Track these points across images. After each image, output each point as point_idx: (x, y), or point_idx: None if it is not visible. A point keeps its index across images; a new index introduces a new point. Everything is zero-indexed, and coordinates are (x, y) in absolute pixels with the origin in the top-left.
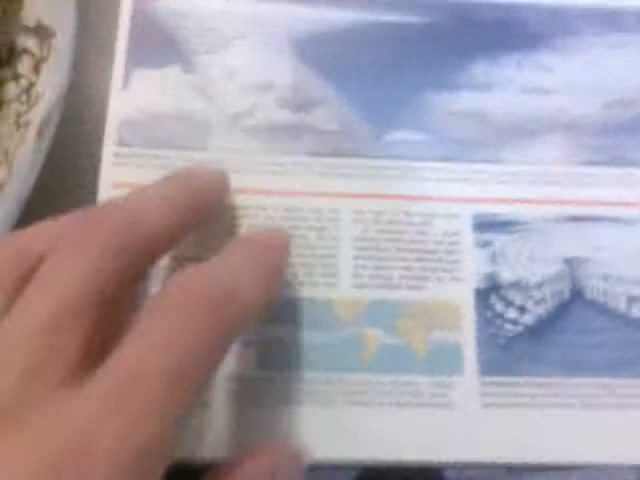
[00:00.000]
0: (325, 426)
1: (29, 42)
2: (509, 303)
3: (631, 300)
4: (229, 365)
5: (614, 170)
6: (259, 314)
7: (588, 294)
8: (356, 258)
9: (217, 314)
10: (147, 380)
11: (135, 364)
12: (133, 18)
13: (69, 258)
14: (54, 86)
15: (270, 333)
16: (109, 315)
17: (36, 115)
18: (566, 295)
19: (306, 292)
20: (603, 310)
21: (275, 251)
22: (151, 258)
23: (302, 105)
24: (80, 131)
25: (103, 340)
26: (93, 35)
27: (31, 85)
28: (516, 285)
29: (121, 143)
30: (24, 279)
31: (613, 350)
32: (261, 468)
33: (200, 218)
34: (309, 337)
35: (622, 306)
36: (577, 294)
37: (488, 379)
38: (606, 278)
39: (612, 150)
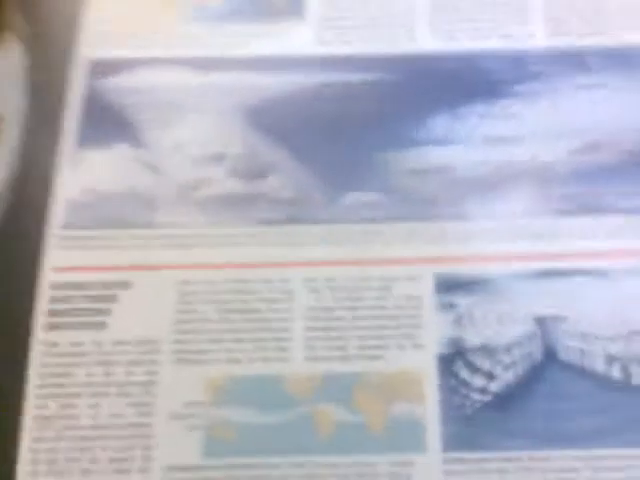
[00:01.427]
0: None
1: None
2: (476, 369)
3: (610, 359)
4: (172, 453)
5: (584, 219)
6: None
7: (562, 355)
8: (309, 329)
9: None
10: None
11: None
12: (83, 98)
13: None
14: (0, 169)
15: (218, 416)
16: None
17: None
18: (538, 357)
19: (256, 369)
20: (579, 372)
21: None
22: None
23: (255, 173)
24: (25, 215)
25: None
26: (42, 119)
27: None
28: (483, 349)
29: (66, 225)
30: None
31: (591, 417)
32: None
33: None
34: (260, 418)
35: (600, 366)
36: (550, 355)
37: (452, 455)
38: (582, 336)
39: (581, 198)
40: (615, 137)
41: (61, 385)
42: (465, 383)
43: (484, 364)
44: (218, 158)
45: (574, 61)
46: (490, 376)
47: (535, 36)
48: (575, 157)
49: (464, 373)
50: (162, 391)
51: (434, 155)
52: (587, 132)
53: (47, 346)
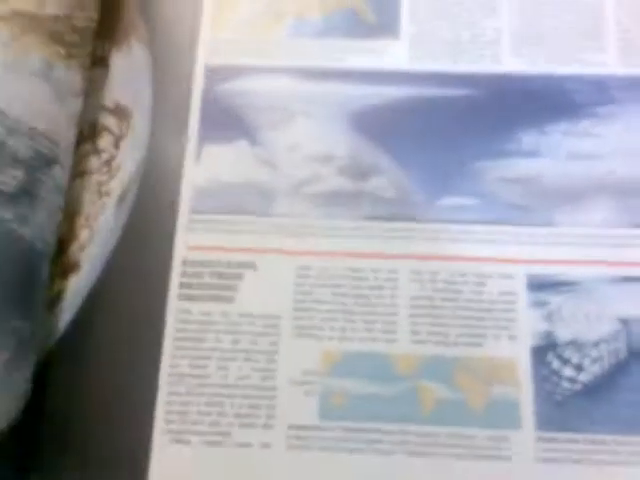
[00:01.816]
0: (383, 475)
1: (109, 121)
2: (566, 361)
3: None
4: (292, 413)
5: None
6: None
7: None
8: (413, 315)
9: None
10: None
11: None
12: (204, 98)
13: None
14: (132, 160)
15: (332, 385)
16: None
17: (116, 185)
18: (623, 354)
19: (367, 347)
20: None
21: None
22: None
23: (360, 174)
24: (157, 200)
25: None
26: (168, 114)
27: (111, 158)
28: (573, 343)
29: (194, 210)
30: None
31: None
32: None
33: None
34: (369, 389)
35: None
36: (634, 353)
37: (544, 434)
38: None
39: None
40: None
41: (193, 348)
42: (556, 372)
43: (573, 357)
44: (326, 158)
45: None
46: (579, 368)
47: (609, 63)
48: None
49: (555, 364)
50: (283, 359)
51: (523, 166)
52: None
53: (181, 313)
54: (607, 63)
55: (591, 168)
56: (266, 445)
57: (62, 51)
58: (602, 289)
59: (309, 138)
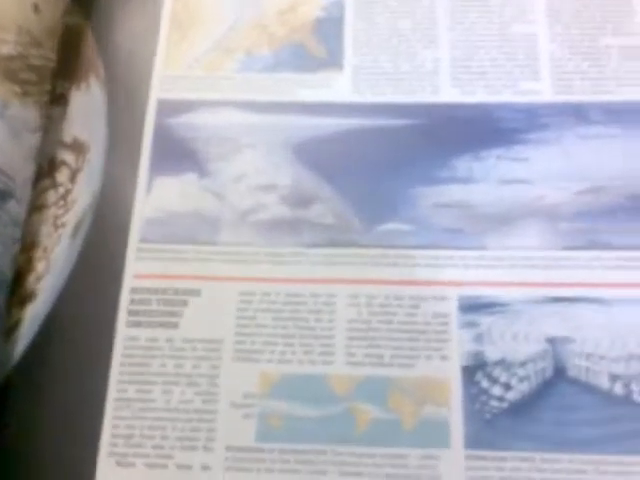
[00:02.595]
0: None
1: (66, 156)
2: (494, 380)
3: (613, 378)
4: (231, 435)
5: (590, 253)
6: None
7: (570, 372)
8: (350, 339)
9: None
10: None
11: None
12: (156, 131)
13: None
14: (87, 193)
15: (270, 407)
16: None
17: (71, 218)
18: (549, 373)
19: (305, 369)
20: (586, 388)
21: None
22: None
23: (301, 202)
24: (109, 230)
25: None
26: (121, 148)
27: (67, 192)
28: (501, 363)
29: (143, 240)
30: None
31: (597, 427)
32: None
33: None
34: (306, 411)
35: (605, 384)
36: (560, 372)
37: (473, 452)
38: (588, 357)
39: (587, 234)
40: (615, 181)
41: (139, 373)
42: (485, 392)
43: (502, 376)
44: (270, 188)
45: (578, 114)
46: (507, 387)
47: (543, 92)
48: (580, 198)
49: (484, 383)
50: (224, 383)
51: (456, 191)
52: (590, 176)
53: (128, 340)
54: (541, 91)
55: (522, 193)
56: (206, 467)
57: (17, 89)
58: (530, 310)
59: (254, 169)
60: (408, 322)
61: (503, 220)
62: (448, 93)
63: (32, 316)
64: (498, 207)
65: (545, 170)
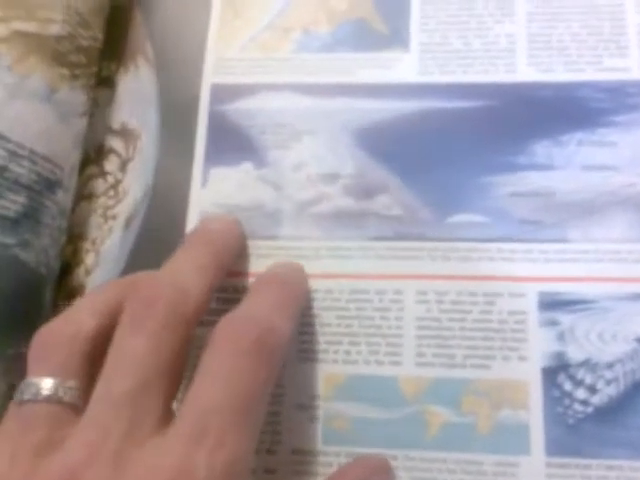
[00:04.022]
0: None
1: (115, 143)
2: (578, 382)
3: None
4: (295, 438)
5: None
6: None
7: None
8: (419, 337)
9: (263, 352)
10: (219, 414)
11: (205, 404)
12: (210, 120)
13: (134, 341)
14: (140, 184)
15: (336, 409)
16: (177, 374)
17: (123, 209)
18: (639, 375)
19: (371, 370)
20: None
21: (297, 287)
22: (195, 325)
23: (366, 193)
24: (164, 225)
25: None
26: (174, 136)
27: (118, 182)
28: (585, 364)
29: None
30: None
31: None
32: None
33: (223, 277)
34: (374, 413)
35: None
36: None
37: (555, 460)
38: None
39: None
40: None
41: None
42: (568, 395)
43: (586, 378)
44: (332, 177)
45: None
46: (592, 389)
47: (631, 69)
48: None
49: (567, 385)
50: (289, 384)
51: (535, 179)
52: None
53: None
54: (629, 68)
55: (607, 180)
56: (270, 471)
57: (66, 72)
58: (618, 307)
59: (314, 157)
60: (482, 320)
61: (587, 210)
62: (524, 72)
63: None
64: (581, 196)
65: (634, 155)
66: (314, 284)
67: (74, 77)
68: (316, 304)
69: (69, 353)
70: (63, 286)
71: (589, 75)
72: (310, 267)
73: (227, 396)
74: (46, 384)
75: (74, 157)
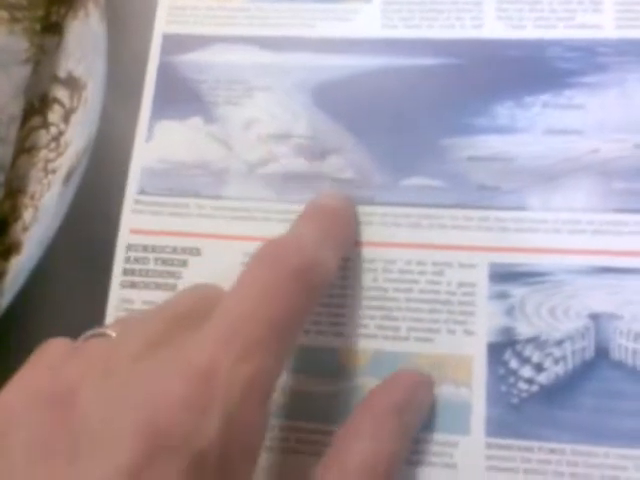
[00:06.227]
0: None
1: (60, 92)
2: (525, 360)
3: None
4: None
5: None
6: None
7: (615, 354)
8: (364, 308)
9: (305, 281)
10: (252, 323)
11: (239, 311)
12: (159, 72)
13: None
14: (82, 136)
15: None
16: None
17: (64, 163)
18: (590, 354)
19: (311, 340)
20: (631, 373)
21: (346, 222)
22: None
23: (318, 153)
24: (104, 179)
25: None
26: (120, 87)
27: (60, 134)
28: (534, 341)
29: (141, 191)
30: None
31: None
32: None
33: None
34: (312, 386)
35: None
36: (602, 354)
37: (495, 441)
38: (637, 337)
39: None
40: None
41: None
42: (513, 372)
43: (534, 355)
44: (284, 137)
45: None
46: (539, 367)
47: (605, 27)
48: None
49: (513, 363)
50: None
51: (495, 143)
52: None
53: (122, 302)
54: (601, 25)
55: (571, 145)
56: None
57: (4, 14)
58: (573, 281)
59: (267, 115)
60: (430, 291)
61: (548, 177)
62: (492, 27)
63: (16, 270)
64: (542, 161)
65: (601, 119)
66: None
67: (14, 20)
68: None
69: None
70: (0, 242)
71: (560, 32)
72: (256, 230)
73: (261, 308)
74: None
75: (13, 107)
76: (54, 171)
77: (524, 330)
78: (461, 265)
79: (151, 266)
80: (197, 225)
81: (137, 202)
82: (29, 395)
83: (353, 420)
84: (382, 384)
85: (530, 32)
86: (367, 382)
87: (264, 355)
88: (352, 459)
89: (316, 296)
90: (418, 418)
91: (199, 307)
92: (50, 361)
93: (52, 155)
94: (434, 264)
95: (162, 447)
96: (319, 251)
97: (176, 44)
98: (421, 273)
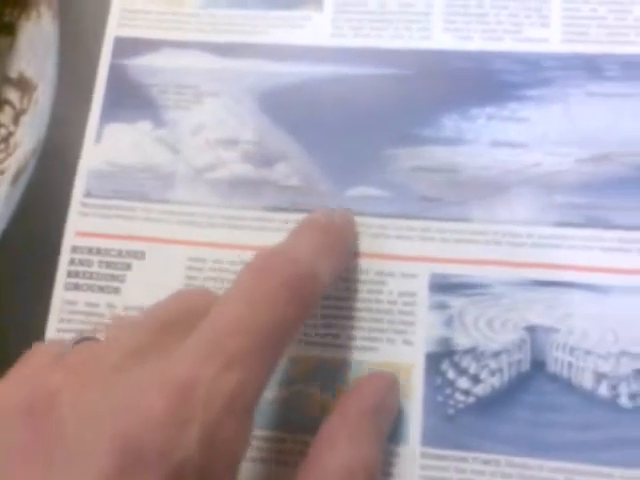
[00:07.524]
0: None
1: (12, 94)
2: (462, 371)
3: (599, 377)
4: None
5: (588, 232)
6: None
7: (551, 367)
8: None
9: (298, 294)
10: (237, 334)
11: (225, 322)
12: (110, 74)
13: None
14: (32, 137)
15: None
16: None
17: (12, 164)
18: (525, 366)
19: None
20: (566, 386)
21: (343, 235)
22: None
23: (265, 160)
24: (53, 181)
25: None
26: (71, 89)
27: (10, 135)
28: (471, 352)
29: (88, 194)
30: None
31: (575, 431)
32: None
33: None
34: None
35: (588, 383)
36: (538, 366)
37: (430, 451)
38: (572, 350)
39: (586, 210)
40: (626, 149)
41: None
42: (450, 383)
43: (471, 367)
44: (232, 143)
45: (589, 68)
46: (476, 379)
47: (550, 40)
48: (582, 167)
49: (450, 373)
50: None
51: (440, 154)
52: (598, 142)
53: (65, 304)
54: (547, 39)
55: (515, 157)
56: None
57: None
58: (511, 293)
59: (215, 120)
60: (371, 300)
61: (491, 188)
62: (439, 39)
63: None
64: (487, 173)
65: (544, 133)
66: (203, 253)
67: None
68: (203, 274)
69: None
70: None
71: (506, 45)
72: (201, 235)
73: (248, 318)
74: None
75: None
76: (2, 172)
77: (462, 341)
78: (403, 275)
79: (95, 269)
80: (143, 229)
81: (83, 204)
82: (10, 401)
83: (328, 426)
84: (354, 389)
85: (477, 44)
86: (308, 390)
87: (247, 366)
88: (331, 465)
89: (307, 307)
90: (389, 421)
91: (188, 315)
92: (34, 368)
93: (1, 156)
94: (377, 273)
95: (137, 461)
96: (313, 263)
97: (127, 47)
98: (363, 282)
